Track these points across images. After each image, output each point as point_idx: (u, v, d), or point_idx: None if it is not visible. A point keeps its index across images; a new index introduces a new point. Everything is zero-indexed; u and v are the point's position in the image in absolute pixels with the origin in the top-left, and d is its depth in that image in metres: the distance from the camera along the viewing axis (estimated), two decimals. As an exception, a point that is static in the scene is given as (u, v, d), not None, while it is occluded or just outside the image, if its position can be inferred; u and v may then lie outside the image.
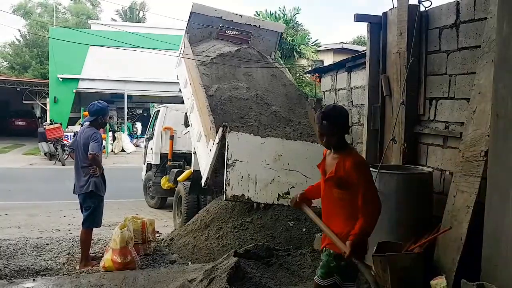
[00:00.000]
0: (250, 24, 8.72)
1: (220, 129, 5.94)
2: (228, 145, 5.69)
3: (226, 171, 5.56)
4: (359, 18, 5.57)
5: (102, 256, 5.58)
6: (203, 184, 6.63)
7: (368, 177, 3.20)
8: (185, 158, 10.09)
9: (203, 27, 8.43)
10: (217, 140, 6.00)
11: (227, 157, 5.65)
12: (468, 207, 4.04)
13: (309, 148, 6.08)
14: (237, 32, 8.65)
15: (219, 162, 6.09)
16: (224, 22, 8.47)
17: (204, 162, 6.80)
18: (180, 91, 8.78)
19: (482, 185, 3.92)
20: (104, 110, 5.47)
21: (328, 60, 24.95)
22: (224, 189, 5.46)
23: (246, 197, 5.49)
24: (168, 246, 5.85)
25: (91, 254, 5.56)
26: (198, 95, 6.96)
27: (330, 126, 3.16)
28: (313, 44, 25.12)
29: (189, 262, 5.25)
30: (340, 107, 3.39)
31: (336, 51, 26.62)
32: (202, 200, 7.78)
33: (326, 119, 3.15)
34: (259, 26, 8.82)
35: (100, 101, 5.59)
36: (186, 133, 9.39)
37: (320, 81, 8.74)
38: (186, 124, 9.28)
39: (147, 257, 5.50)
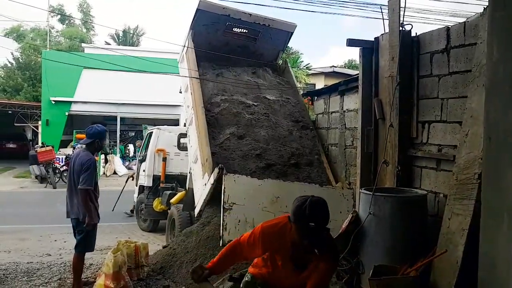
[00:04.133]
0: (259, 23, 8.41)
1: (216, 170, 5.87)
2: (224, 188, 5.61)
3: (223, 215, 5.46)
4: (351, 43, 5.67)
5: (94, 281, 5.49)
6: (195, 215, 6.61)
7: None
8: (178, 180, 10.06)
9: (209, 24, 8.17)
10: (212, 181, 5.98)
11: (223, 200, 5.55)
12: (463, 229, 4.05)
13: (307, 189, 5.90)
14: (244, 30, 8.45)
15: (214, 195, 6.16)
16: (231, 20, 8.20)
17: (199, 191, 6.78)
18: (180, 92, 8.64)
19: (476, 208, 3.94)
20: (102, 134, 5.44)
21: (320, 83, 25.16)
22: (221, 234, 5.36)
23: None
24: (161, 270, 5.75)
25: (83, 280, 5.46)
26: (199, 117, 6.93)
27: (320, 229, 2.74)
28: (304, 67, 25.43)
29: (183, 287, 5.18)
30: (322, 201, 2.82)
31: (327, 74, 26.88)
32: (195, 218, 7.69)
33: (316, 220, 2.70)
34: (269, 25, 8.48)
35: (99, 125, 5.54)
36: (183, 144, 9.42)
37: (312, 104, 8.78)
38: (182, 138, 9.33)
39: (140, 282, 5.41)
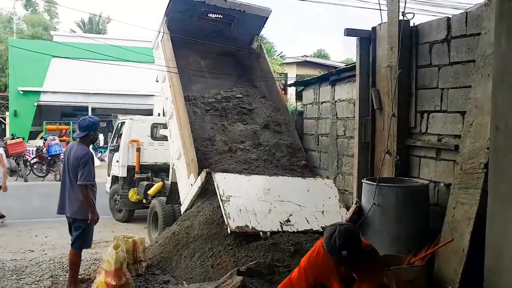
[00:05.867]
0: (234, 9, 8.31)
1: (203, 174, 6.02)
2: (217, 183, 5.80)
3: (223, 206, 5.50)
4: (349, 32, 5.65)
5: (89, 279, 5.34)
6: (182, 212, 6.58)
7: None
8: (152, 170, 10.01)
9: (184, 10, 8.03)
10: (199, 183, 6.13)
11: (219, 194, 5.66)
12: (469, 218, 4.11)
13: (293, 181, 6.38)
14: (220, 16, 8.37)
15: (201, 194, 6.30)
16: (207, 6, 8.07)
17: (184, 189, 6.78)
18: (156, 81, 8.47)
19: (481, 197, 4.00)
20: (96, 125, 5.25)
21: (292, 73, 25.20)
22: (226, 222, 5.33)
23: (251, 227, 5.35)
24: (159, 265, 5.61)
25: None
26: (181, 115, 6.86)
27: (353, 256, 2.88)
28: (278, 56, 25.40)
29: (184, 282, 5.07)
30: (351, 228, 3.04)
31: (299, 64, 26.96)
32: (178, 211, 7.57)
33: (347, 249, 2.83)
34: (244, 11, 8.40)
35: (92, 116, 5.43)
36: (162, 134, 9.32)
37: (285, 94, 8.75)
38: (161, 128, 9.14)
39: (139, 277, 5.25)
